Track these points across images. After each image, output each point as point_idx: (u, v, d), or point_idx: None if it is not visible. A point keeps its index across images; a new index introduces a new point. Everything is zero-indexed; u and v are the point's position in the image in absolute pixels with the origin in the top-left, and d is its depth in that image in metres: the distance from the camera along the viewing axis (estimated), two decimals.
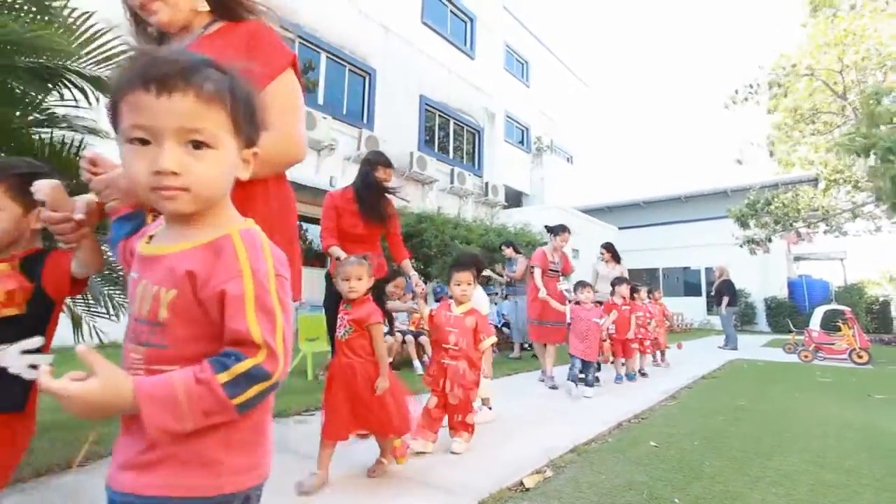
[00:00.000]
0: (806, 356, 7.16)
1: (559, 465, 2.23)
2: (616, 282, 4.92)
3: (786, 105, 10.90)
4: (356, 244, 2.69)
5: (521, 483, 1.97)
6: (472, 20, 14.23)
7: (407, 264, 3.02)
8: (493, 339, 2.60)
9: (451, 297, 2.64)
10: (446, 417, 2.49)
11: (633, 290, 5.21)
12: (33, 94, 2.01)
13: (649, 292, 6.00)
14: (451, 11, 13.63)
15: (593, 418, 3.16)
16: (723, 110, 12.11)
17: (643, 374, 5.21)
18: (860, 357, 6.81)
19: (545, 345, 4.51)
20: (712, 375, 5.44)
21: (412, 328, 5.15)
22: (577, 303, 4.16)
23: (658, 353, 6.11)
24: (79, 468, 1.94)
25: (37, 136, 2.04)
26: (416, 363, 4.95)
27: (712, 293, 9.19)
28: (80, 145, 2.15)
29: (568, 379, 4.01)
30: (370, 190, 2.80)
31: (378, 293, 2.43)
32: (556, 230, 4.64)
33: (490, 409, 3.11)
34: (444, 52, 13.04)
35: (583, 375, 4.03)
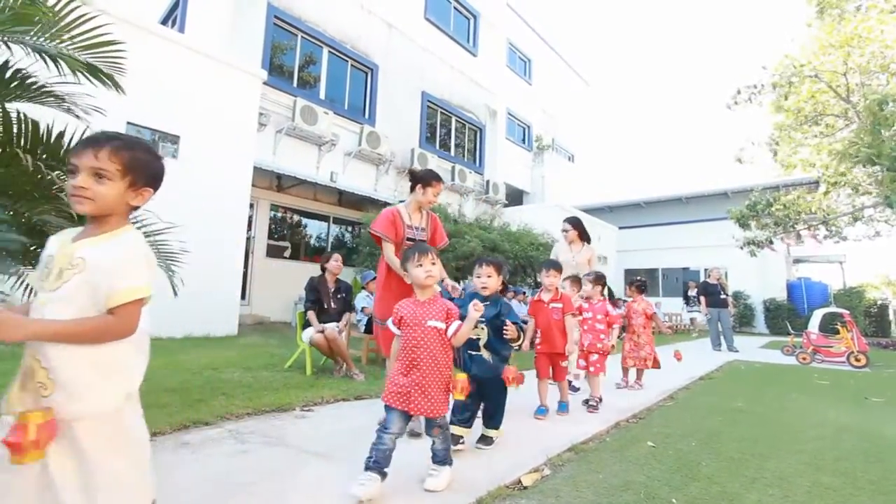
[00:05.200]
0: (804, 358, 7.18)
1: (557, 463, 2.24)
2: (545, 265, 3.33)
3: (788, 106, 10.88)
4: None
5: (519, 481, 1.98)
6: (475, 17, 14.18)
7: None
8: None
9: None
10: None
11: (597, 281, 3.87)
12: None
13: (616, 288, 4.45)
14: (454, 8, 13.58)
15: (591, 418, 3.19)
16: (725, 111, 12.13)
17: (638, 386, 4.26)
18: (858, 360, 6.82)
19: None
20: (710, 376, 5.45)
21: None
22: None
23: (634, 370, 4.46)
24: None
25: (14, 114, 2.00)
26: None
27: (724, 297, 9.11)
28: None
29: (432, 437, 1.97)
30: None
31: None
32: (427, 177, 2.88)
33: None
34: (447, 49, 13.01)
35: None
